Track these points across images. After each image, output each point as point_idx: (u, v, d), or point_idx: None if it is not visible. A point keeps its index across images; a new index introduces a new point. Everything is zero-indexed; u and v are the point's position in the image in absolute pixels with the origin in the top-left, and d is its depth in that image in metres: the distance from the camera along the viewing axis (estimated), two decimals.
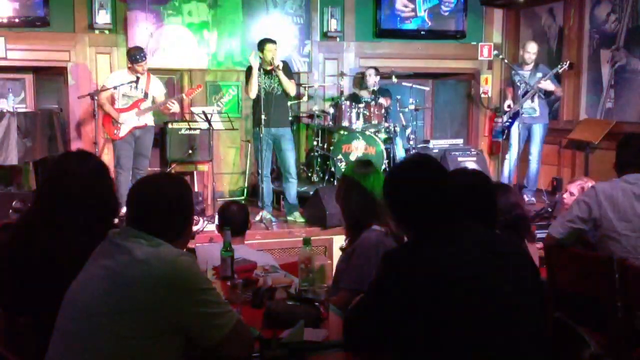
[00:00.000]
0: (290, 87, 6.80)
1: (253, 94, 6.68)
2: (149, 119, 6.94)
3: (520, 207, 3.71)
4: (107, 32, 7.83)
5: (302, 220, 6.79)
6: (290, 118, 7.55)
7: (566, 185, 4.82)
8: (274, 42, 6.77)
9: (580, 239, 3.48)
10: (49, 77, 8.08)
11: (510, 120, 7.41)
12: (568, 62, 7.36)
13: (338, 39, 8.63)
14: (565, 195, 4.46)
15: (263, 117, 6.55)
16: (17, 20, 7.42)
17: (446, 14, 8.93)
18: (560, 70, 7.29)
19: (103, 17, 7.69)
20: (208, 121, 6.68)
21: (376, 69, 8.13)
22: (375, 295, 2.08)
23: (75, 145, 7.71)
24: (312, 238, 3.26)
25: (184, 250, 2.15)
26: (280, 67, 6.74)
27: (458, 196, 2.25)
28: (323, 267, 2.70)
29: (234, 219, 3.89)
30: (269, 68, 6.71)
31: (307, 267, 2.66)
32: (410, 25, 8.85)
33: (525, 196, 7.25)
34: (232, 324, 2.00)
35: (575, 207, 3.40)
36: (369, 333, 2.10)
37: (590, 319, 3.23)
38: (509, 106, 7.50)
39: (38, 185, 7.14)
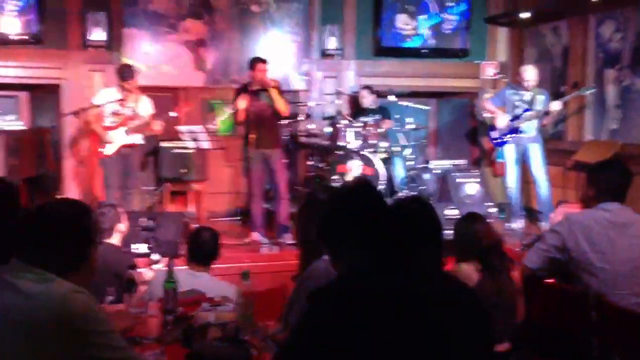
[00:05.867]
0: (283, 106, 6.64)
1: (239, 123, 6.65)
2: (137, 138, 6.81)
3: (488, 237, 3.52)
4: (101, 49, 7.72)
5: (293, 242, 6.58)
6: (285, 136, 7.40)
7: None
8: (264, 61, 6.64)
9: (559, 269, 3.24)
10: (43, 94, 8.00)
11: (502, 139, 7.17)
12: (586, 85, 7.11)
13: (337, 57, 8.47)
14: (553, 223, 4.23)
15: (251, 137, 6.42)
16: (9, 37, 7.36)
17: (448, 32, 8.75)
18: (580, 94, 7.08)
19: (98, 34, 7.60)
20: (195, 140, 6.54)
21: (370, 87, 7.94)
22: (295, 337, 1.89)
23: (67, 163, 7.62)
24: None
25: (87, 283, 1.95)
26: (275, 85, 6.61)
27: (400, 228, 2.07)
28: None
29: (203, 246, 3.72)
30: (258, 88, 6.56)
31: (244, 302, 2.47)
32: (411, 44, 8.68)
33: (543, 224, 6.89)
34: None
35: (548, 235, 3.18)
36: None
37: (567, 356, 3.00)
38: (504, 124, 7.22)
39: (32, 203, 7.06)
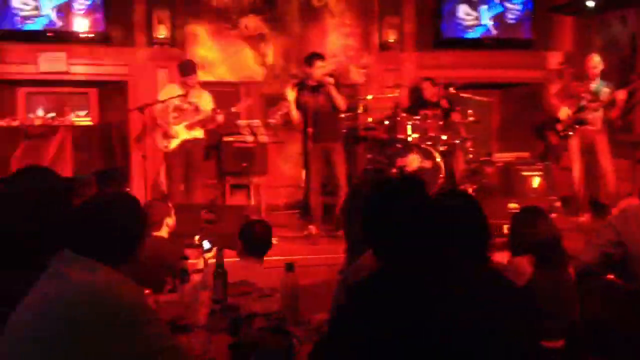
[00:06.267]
0: (341, 102, 6.67)
1: (294, 120, 6.69)
2: (199, 132, 6.96)
3: (546, 231, 3.44)
4: (166, 46, 7.92)
5: None
6: (344, 130, 7.42)
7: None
8: (322, 57, 6.68)
9: (616, 265, 3.16)
10: (112, 91, 8.26)
11: (570, 130, 6.98)
12: None
13: (397, 50, 8.41)
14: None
15: (309, 131, 6.47)
16: (78, 35, 7.64)
17: (512, 21, 8.59)
18: None
19: (162, 32, 7.80)
20: (254, 135, 6.64)
21: (431, 79, 7.87)
22: (331, 330, 1.91)
23: (135, 158, 7.85)
24: None
25: (135, 275, 2.03)
26: (332, 82, 6.65)
27: (441, 225, 2.06)
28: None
29: (255, 239, 3.78)
30: (315, 84, 6.61)
31: (288, 294, 2.51)
32: (473, 34, 8.56)
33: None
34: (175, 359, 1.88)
35: (603, 229, 3.10)
36: None
37: (622, 356, 2.93)
38: (568, 116, 7.03)
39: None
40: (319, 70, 6.59)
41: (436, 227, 1.94)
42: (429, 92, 7.86)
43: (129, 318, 1.82)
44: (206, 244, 3.92)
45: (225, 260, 3.89)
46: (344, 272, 2.77)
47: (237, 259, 3.80)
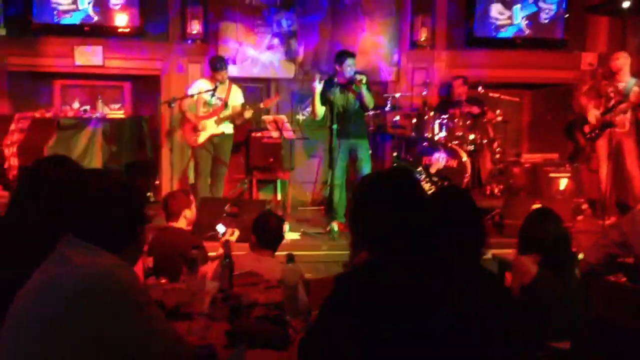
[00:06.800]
0: (370, 101, 6.70)
1: (318, 117, 6.71)
2: (227, 127, 7.06)
3: (555, 233, 3.44)
4: (198, 41, 8.05)
5: None
6: (371, 128, 7.46)
7: None
8: (353, 55, 6.71)
9: (623, 266, 3.15)
10: (145, 85, 8.43)
11: (597, 132, 6.89)
12: None
13: (428, 48, 8.41)
14: None
15: (336, 127, 6.53)
16: (114, 30, 7.82)
17: (546, 21, 8.50)
18: None
19: (196, 27, 7.93)
20: (280, 130, 6.71)
21: (465, 78, 7.85)
22: (318, 321, 1.96)
23: (165, 151, 8.01)
24: None
25: (136, 261, 2.12)
26: (364, 81, 6.68)
27: (429, 218, 2.09)
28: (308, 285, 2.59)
29: (267, 231, 3.85)
30: (345, 82, 6.65)
31: (288, 285, 2.57)
32: (506, 34, 8.50)
33: None
34: (167, 342, 1.95)
35: (610, 231, 3.09)
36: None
37: (628, 356, 2.92)
38: (596, 117, 6.94)
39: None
40: (350, 68, 6.63)
41: (423, 220, 1.97)
42: (460, 90, 7.84)
43: (124, 301, 1.89)
44: (220, 228, 4.00)
45: (238, 252, 4.00)
46: (347, 266, 2.82)
47: (250, 252, 3.88)
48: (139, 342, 1.91)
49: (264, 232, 3.80)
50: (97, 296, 1.87)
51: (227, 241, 3.10)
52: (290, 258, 2.69)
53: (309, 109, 8.14)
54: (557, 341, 3.31)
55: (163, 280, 3.52)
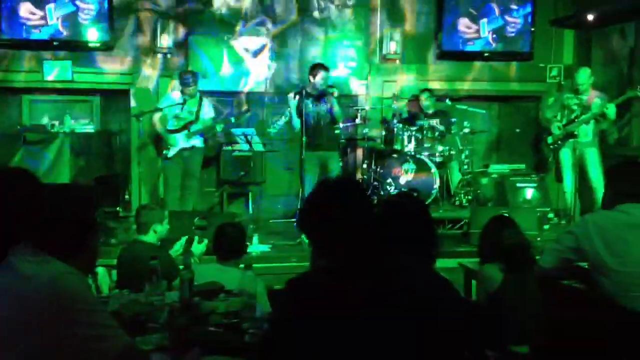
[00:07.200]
0: (340, 115, 6.89)
1: (295, 129, 6.85)
2: (197, 141, 7.07)
3: (514, 240, 3.51)
4: (168, 55, 8.06)
5: None
6: (342, 140, 7.53)
7: None
8: (327, 68, 6.81)
9: (577, 271, 3.21)
10: (114, 99, 8.41)
11: (560, 143, 7.02)
12: None
13: (397, 62, 8.50)
14: None
15: (306, 139, 6.59)
16: (83, 43, 7.80)
17: (512, 34, 8.63)
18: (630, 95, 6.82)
19: (165, 41, 7.94)
20: (249, 143, 6.74)
21: (430, 91, 7.96)
22: (270, 325, 1.99)
23: (134, 165, 7.96)
24: None
25: (90, 268, 2.12)
26: (336, 94, 6.80)
27: (384, 224, 2.13)
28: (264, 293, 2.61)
29: (227, 241, 3.86)
30: (317, 94, 6.75)
31: (245, 292, 2.60)
32: (473, 47, 8.62)
33: None
34: (118, 348, 1.96)
35: (564, 236, 3.15)
36: None
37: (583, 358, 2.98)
38: (558, 128, 7.08)
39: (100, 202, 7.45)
40: (323, 80, 6.73)
41: (369, 226, 2.00)
42: (427, 103, 7.94)
43: (70, 306, 1.89)
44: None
45: (204, 264, 4.01)
46: None
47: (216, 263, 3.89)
48: (87, 349, 1.91)
49: (221, 242, 3.80)
50: (43, 303, 1.87)
51: (188, 252, 3.11)
52: (248, 266, 2.71)
53: (280, 122, 8.20)
54: (518, 345, 3.37)
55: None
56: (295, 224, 6.58)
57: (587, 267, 3.13)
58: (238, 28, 8.18)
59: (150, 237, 4.35)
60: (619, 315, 2.83)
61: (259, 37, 8.21)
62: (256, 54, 8.23)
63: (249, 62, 8.23)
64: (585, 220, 3.11)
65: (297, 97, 6.86)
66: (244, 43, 8.18)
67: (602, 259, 2.98)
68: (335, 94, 6.92)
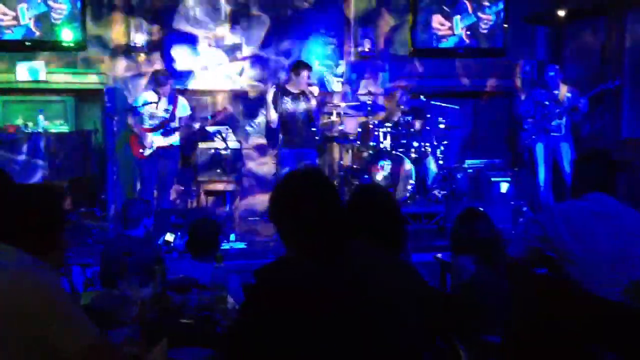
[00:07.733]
0: (317, 112, 6.93)
1: (273, 124, 6.81)
2: (174, 139, 7.06)
3: (485, 232, 3.55)
4: (143, 54, 8.03)
5: None
6: (317, 138, 7.55)
7: None
8: (310, 68, 6.85)
9: (545, 260, 3.26)
10: (89, 99, 8.35)
11: (533, 137, 7.12)
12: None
13: (372, 58, 8.55)
14: None
15: (281, 137, 6.61)
16: (57, 43, 7.73)
17: (485, 31, 8.71)
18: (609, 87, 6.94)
19: (139, 40, 7.91)
20: (224, 141, 6.75)
21: (404, 88, 8.02)
22: (239, 314, 2.01)
23: (111, 165, 7.92)
24: None
25: (59, 264, 2.13)
26: (316, 93, 6.84)
27: (351, 214, 2.16)
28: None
29: (200, 236, 3.87)
30: (297, 92, 6.78)
31: (217, 285, 2.61)
32: (447, 44, 8.69)
33: None
34: (87, 341, 1.96)
35: (531, 225, 3.20)
36: (237, 351, 2.02)
37: (552, 347, 3.02)
38: (531, 123, 7.18)
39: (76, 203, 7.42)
40: (305, 79, 6.76)
41: (335, 216, 2.03)
42: (402, 100, 7.99)
43: (39, 300, 1.90)
44: (169, 237, 4.00)
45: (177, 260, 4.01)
46: None
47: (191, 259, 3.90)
48: (57, 342, 1.92)
49: (194, 238, 3.81)
50: (11, 297, 1.88)
51: (161, 245, 3.12)
52: (219, 259, 2.73)
53: (257, 120, 8.21)
54: (491, 335, 3.41)
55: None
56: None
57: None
58: (213, 26, 8.17)
59: (140, 232, 4.34)
60: (589, 302, 2.88)
61: (235, 35, 8.21)
62: (231, 52, 8.22)
63: (225, 60, 8.22)
64: (551, 209, 3.17)
65: (275, 94, 6.87)
66: (219, 42, 8.18)
67: (568, 246, 3.02)
68: (315, 92, 6.96)
